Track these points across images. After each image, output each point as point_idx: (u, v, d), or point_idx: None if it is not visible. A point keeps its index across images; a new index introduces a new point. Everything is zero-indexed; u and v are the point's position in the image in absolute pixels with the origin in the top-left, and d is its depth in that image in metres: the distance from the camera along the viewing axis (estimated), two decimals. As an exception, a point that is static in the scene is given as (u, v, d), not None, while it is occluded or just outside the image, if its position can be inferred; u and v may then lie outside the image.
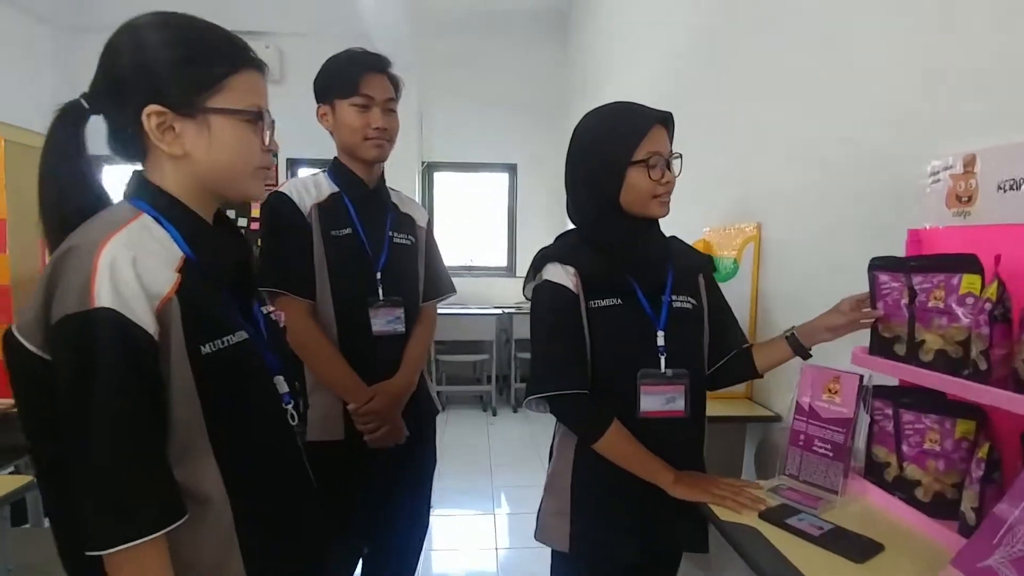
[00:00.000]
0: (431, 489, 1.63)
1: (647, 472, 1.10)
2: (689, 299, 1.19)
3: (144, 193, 0.78)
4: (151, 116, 0.74)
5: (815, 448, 1.11)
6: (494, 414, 4.62)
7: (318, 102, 1.47)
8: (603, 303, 1.14)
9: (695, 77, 2.43)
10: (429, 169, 5.45)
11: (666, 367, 1.13)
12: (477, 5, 5.05)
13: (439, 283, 1.65)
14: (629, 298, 1.15)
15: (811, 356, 1.19)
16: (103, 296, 0.66)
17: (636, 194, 1.12)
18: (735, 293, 1.77)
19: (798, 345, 1.18)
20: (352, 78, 1.41)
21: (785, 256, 1.69)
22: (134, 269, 0.68)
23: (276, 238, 1.42)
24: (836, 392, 1.09)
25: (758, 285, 1.79)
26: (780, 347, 1.21)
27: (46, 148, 0.75)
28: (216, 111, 0.77)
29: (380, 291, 1.45)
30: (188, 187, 0.79)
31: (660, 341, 1.13)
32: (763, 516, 1.01)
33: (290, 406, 0.88)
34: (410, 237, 1.56)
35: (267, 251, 1.43)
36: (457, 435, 4.16)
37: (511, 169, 5.47)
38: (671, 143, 1.15)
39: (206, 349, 0.73)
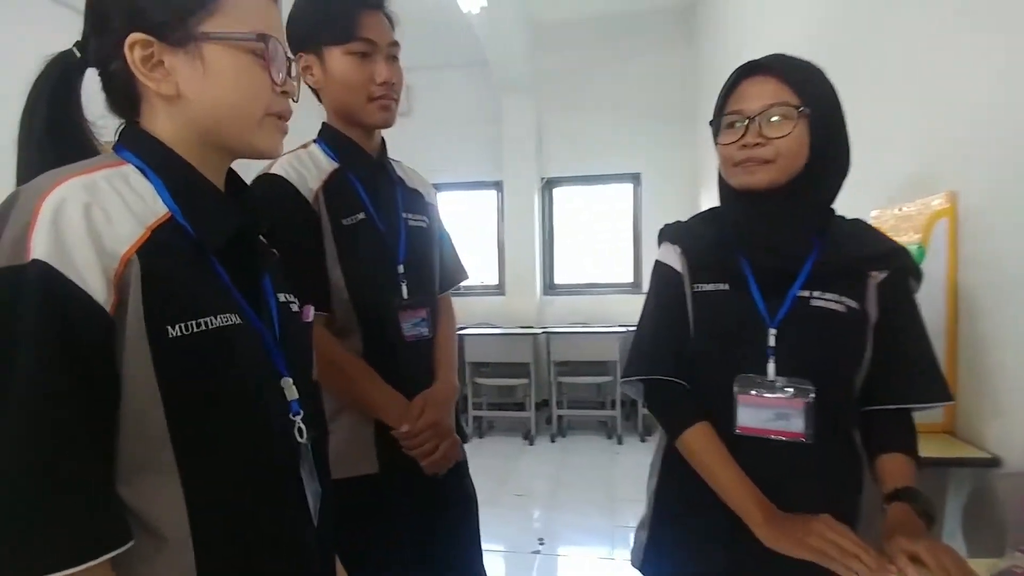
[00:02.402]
0: (479, 532, 1.33)
1: (731, 497, 0.90)
2: (842, 299, 0.92)
3: (131, 141, 0.64)
4: (135, 47, 0.61)
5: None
6: (619, 442, 4.23)
7: (297, 51, 1.13)
8: (706, 287, 0.99)
9: (847, 35, 1.98)
10: (548, 185, 5.28)
11: (777, 375, 0.92)
12: (594, 11, 4.84)
13: (455, 270, 1.38)
14: (738, 285, 0.97)
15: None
16: (39, 247, 0.51)
17: (721, 161, 0.99)
18: (922, 290, 1.31)
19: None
20: (347, 18, 1.09)
21: (996, 231, 1.22)
22: (86, 217, 0.54)
23: (276, 238, 1.09)
24: None
25: (956, 277, 1.32)
26: (895, 475, 0.90)
27: (27, 104, 0.64)
28: (209, 37, 0.62)
29: (404, 288, 1.17)
30: (186, 138, 0.65)
31: (771, 341, 0.93)
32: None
33: (299, 418, 0.68)
34: (424, 218, 1.27)
35: None
36: (577, 465, 3.84)
37: (635, 179, 5.13)
38: (797, 95, 0.91)
39: (174, 331, 0.56)
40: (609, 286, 5.19)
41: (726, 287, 0.97)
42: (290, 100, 0.69)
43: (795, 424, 0.91)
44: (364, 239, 1.14)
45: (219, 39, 0.63)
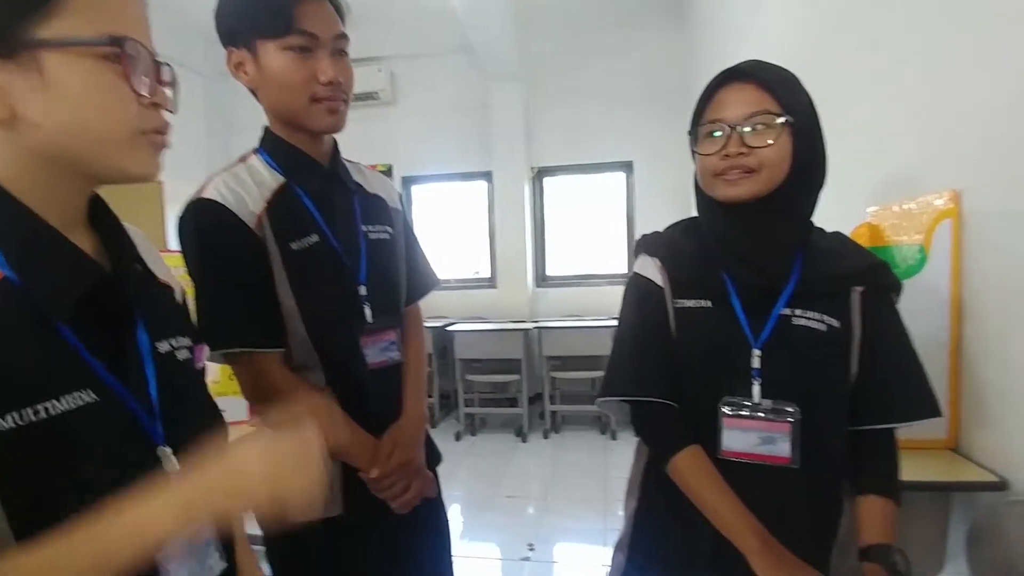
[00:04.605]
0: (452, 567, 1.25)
1: (725, 523, 0.87)
2: (825, 318, 0.91)
3: None
4: None
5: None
6: (613, 437, 4.16)
7: (227, 45, 0.99)
8: (688, 304, 0.96)
9: (845, 21, 1.86)
10: (539, 175, 5.16)
11: (762, 397, 0.90)
12: (582, -3, 4.69)
13: (424, 278, 1.26)
14: (721, 302, 0.94)
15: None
16: None
17: (700, 172, 0.95)
18: (923, 297, 1.22)
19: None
20: (282, 7, 0.93)
21: (1006, 234, 1.12)
22: None
23: (214, 273, 0.96)
24: None
25: (960, 283, 1.22)
26: (872, 527, 0.88)
27: None
28: (47, 44, 0.51)
29: (368, 311, 1.06)
30: (26, 168, 0.54)
31: (755, 363, 0.91)
32: None
33: None
34: (386, 228, 1.14)
35: (204, 294, 0.97)
36: (571, 462, 3.77)
37: (627, 167, 5.01)
38: (779, 103, 0.87)
39: (4, 424, 0.47)
40: (603, 277, 5.10)
41: (709, 304, 0.95)
42: (164, 112, 0.58)
43: (781, 448, 0.89)
44: (318, 264, 1.02)
45: (60, 46, 0.51)
